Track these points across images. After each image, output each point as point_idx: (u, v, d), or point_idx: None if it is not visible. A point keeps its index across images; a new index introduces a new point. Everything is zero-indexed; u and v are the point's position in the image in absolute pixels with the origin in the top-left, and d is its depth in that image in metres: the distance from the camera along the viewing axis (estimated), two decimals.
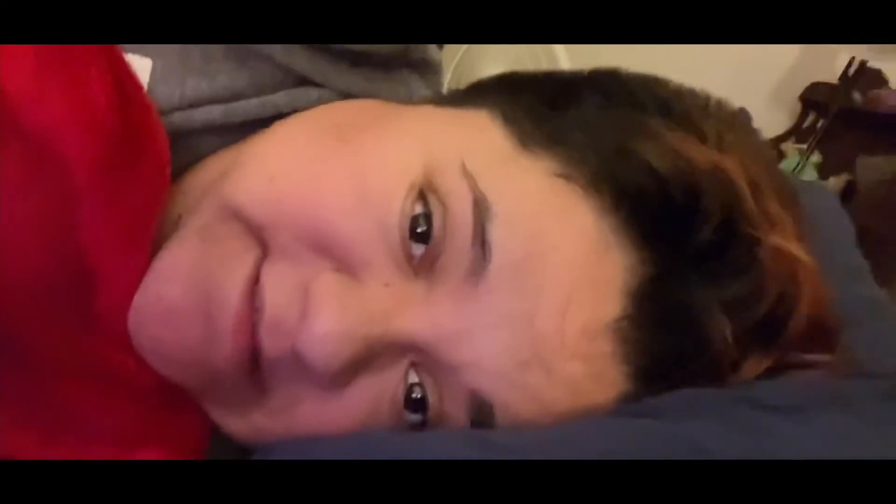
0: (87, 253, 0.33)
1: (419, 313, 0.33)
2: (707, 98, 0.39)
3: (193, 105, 0.38)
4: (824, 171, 1.87)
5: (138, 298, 0.34)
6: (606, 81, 0.39)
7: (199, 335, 0.33)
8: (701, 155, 0.34)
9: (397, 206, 0.33)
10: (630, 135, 0.35)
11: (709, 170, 0.34)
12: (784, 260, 0.34)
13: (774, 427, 0.33)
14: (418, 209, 0.33)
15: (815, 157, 1.86)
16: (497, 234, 0.32)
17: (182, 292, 0.33)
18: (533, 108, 0.37)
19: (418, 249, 0.33)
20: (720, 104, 0.39)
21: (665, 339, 0.34)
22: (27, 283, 0.32)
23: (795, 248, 0.35)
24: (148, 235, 0.35)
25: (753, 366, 0.35)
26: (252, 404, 0.35)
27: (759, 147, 0.40)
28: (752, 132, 0.40)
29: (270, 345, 0.33)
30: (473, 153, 0.34)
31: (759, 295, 0.34)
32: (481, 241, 0.32)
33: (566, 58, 0.99)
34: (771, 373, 0.35)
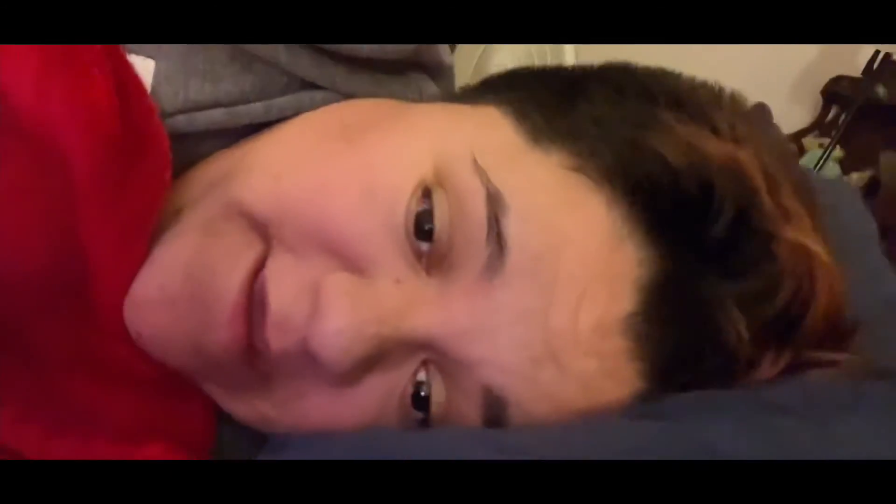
0: (86, 251, 0.33)
1: (432, 311, 0.33)
2: (720, 90, 0.38)
3: (197, 108, 0.38)
4: (847, 166, 1.84)
5: (135, 287, 0.34)
6: (617, 75, 0.39)
7: (196, 324, 0.33)
8: (715, 148, 0.34)
9: (403, 204, 0.33)
10: (642, 128, 0.34)
11: (723, 163, 0.33)
12: (800, 254, 0.34)
13: (793, 432, 0.32)
14: (424, 206, 0.33)
15: (838, 153, 1.83)
16: (513, 228, 0.32)
17: (181, 281, 0.33)
18: (543, 102, 0.37)
19: (426, 247, 0.33)
20: (733, 97, 0.38)
21: (679, 335, 0.33)
22: (27, 279, 0.32)
23: (811, 243, 0.34)
24: (145, 234, 0.35)
25: (769, 365, 0.34)
26: (255, 391, 0.35)
27: (774, 140, 0.40)
28: (768, 125, 0.40)
29: (276, 340, 0.33)
30: (484, 148, 0.34)
31: (774, 290, 0.33)
32: (496, 235, 0.32)
33: (573, 58, 0.98)
34: (787, 372, 0.35)
